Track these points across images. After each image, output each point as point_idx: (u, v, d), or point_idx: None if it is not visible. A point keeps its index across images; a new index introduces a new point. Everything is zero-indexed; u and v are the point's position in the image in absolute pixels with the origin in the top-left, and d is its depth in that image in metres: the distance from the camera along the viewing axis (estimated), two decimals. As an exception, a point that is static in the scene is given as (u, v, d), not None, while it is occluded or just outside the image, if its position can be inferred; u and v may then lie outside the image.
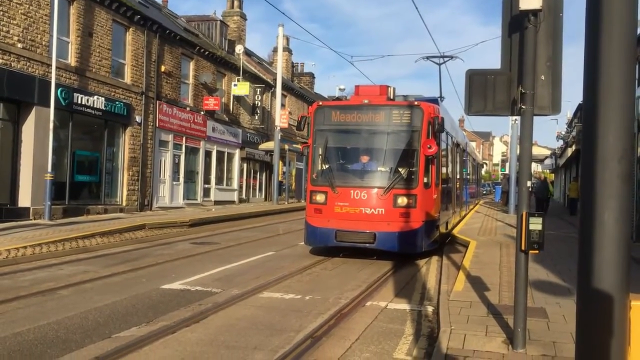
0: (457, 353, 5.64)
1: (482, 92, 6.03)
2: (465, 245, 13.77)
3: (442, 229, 14.24)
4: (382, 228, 11.94)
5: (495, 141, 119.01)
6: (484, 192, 54.98)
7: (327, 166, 12.91)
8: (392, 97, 13.18)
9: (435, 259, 12.85)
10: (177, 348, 6.14)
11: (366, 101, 12.79)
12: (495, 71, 6.06)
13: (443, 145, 14.30)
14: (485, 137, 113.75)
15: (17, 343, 6.20)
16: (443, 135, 14.03)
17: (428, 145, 12.12)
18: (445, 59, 22.89)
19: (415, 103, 12.65)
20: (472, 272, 9.93)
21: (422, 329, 7.16)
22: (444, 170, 14.53)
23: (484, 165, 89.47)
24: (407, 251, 12.13)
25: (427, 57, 23.07)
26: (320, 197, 12.50)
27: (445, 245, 14.69)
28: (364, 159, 12.85)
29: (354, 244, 12.21)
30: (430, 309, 8.16)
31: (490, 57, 71.01)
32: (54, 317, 7.20)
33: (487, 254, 12.14)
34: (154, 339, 6.40)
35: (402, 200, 12.00)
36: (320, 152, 12.98)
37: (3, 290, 8.78)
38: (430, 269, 11.76)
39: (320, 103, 13.64)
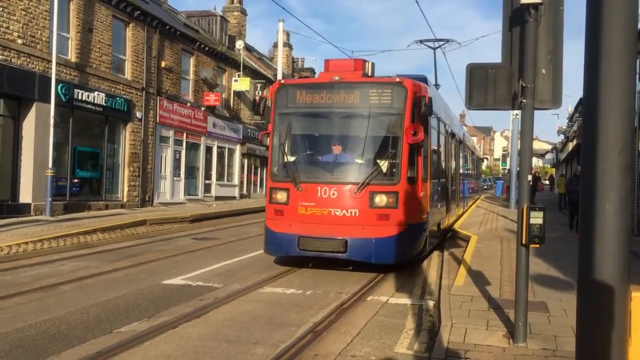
0: (458, 347, 5.65)
1: (482, 86, 6.02)
2: (466, 239, 13.77)
3: (434, 232, 12.42)
4: (356, 233, 9.79)
5: (496, 136, 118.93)
6: (485, 187, 54.94)
7: (289, 158, 10.78)
8: (369, 74, 11.03)
9: (436, 253, 12.84)
10: (178, 343, 6.15)
11: (337, 78, 10.55)
12: (496, 65, 6.05)
13: (434, 134, 12.50)
14: (486, 132, 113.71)
15: (19, 338, 6.21)
16: (434, 122, 12.27)
17: (412, 131, 9.89)
18: (441, 43, 21.81)
19: (397, 79, 10.39)
20: (473, 266, 9.93)
21: (423, 324, 7.18)
22: (434, 162, 12.72)
23: (485, 160, 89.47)
24: (386, 261, 9.98)
25: (421, 41, 21.85)
26: (281, 196, 10.32)
27: (446, 240, 14.68)
28: (335, 149, 10.56)
29: (320, 253, 10.00)
30: (431, 303, 8.17)
31: (492, 51, 70.82)
32: (56, 313, 7.22)
33: (488, 249, 12.14)
34: (156, 334, 6.41)
35: (381, 199, 9.88)
36: (281, 141, 10.78)
37: (5, 285, 8.80)
38: (431, 263, 11.76)
39: (282, 81, 11.50)
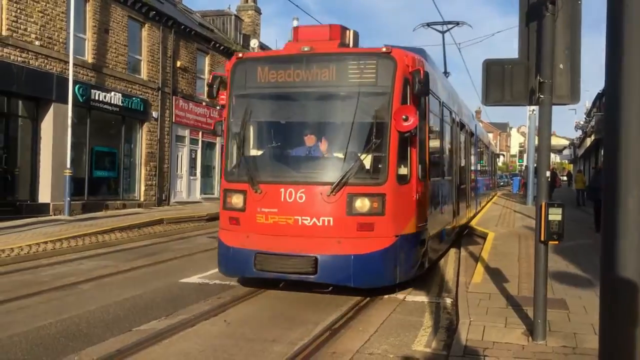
0: (476, 345, 5.62)
1: (499, 81, 5.98)
2: (483, 236, 13.67)
3: (436, 242, 10.02)
4: (329, 249, 7.66)
5: (513, 132, 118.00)
6: (501, 183, 54.56)
7: (247, 151, 8.78)
8: (350, 44, 8.90)
9: (453, 251, 12.77)
10: (196, 341, 6.18)
11: (306, 49, 8.36)
12: (512, 60, 6.00)
13: (435, 121, 10.24)
14: (502, 128, 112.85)
15: (40, 337, 6.29)
16: (434, 106, 9.95)
17: (403, 116, 7.73)
18: (450, 26, 20.44)
19: (383, 50, 8.21)
20: (491, 263, 9.87)
21: (440, 321, 7.14)
22: (436, 156, 10.49)
23: (501, 157, 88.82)
24: (369, 284, 7.96)
25: (429, 24, 20.39)
26: (236, 200, 8.26)
27: (463, 237, 14.59)
28: (305, 139, 8.50)
29: (283, 274, 7.85)
30: (448, 300, 8.13)
31: (509, 47, 70.28)
32: (76, 311, 7.29)
33: (506, 246, 12.05)
34: (174, 332, 6.45)
35: (362, 204, 7.74)
36: (238, 130, 8.67)
37: (25, 284, 8.91)
38: (448, 261, 11.70)
39: (241, 55, 9.04)
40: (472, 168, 17.69)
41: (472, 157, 17.74)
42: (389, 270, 7.92)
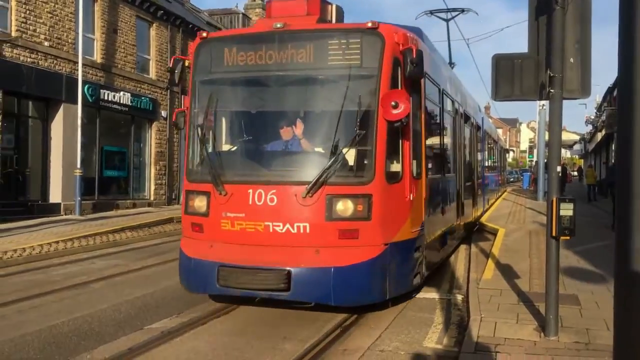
0: (488, 341, 5.60)
1: (509, 76, 5.96)
2: (494, 233, 13.62)
3: (433, 251, 8.75)
4: (305, 261, 6.55)
5: (522, 127, 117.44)
6: (511, 179, 54.32)
7: (211, 147, 7.62)
8: (332, 20, 7.74)
9: (463, 247, 12.72)
10: (207, 339, 6.20)
11: (279, 25, 7.16)
12: (522, 55, 5.97)
13: (433, 110, 9.04)
14: (511, 123, 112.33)
15: (52, 335, 6.33)
16: (432, 92, 8.75)
17: (392, 102, 6.59)
18: (455, 14, 19.54)
19: (369, 25, 6.95)
20: (502, 259, 9.83)
21: (451, 318, 7.12)
22: (437, 150, 9.46)
23: (511, 152, 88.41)
24: (353, 302, 6.84)
25: (432, 12, 19.43)
26: (199, 203, 7.14)
27: (473, 233, 14.54)
28: (281, 132, 7.33)
29: (250, 292, 6.66)
30: (459, 297, 8.10)
31: (518, 42, 70.00)
32: (87, 310, 7.33)
33: (517, 241, 12.00)
34: (185, 331, 6.48)
35: (344, 206, 6.59)
36: (201, 122, 7.52)
37: (37, 284, 8.97)
38: (458, 257, 11.66)
39: (205, 34, 7.76)
40: (479, 164, 16.55)
41: (479, 152, 16.62)
42: (377, 285, 6.79)
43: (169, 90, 24.58)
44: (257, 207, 6.67)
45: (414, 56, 6.85)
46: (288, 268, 6.43)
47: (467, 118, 13.28)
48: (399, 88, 6.97)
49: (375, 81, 6.84)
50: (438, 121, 9.58)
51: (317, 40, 7.14)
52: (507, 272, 8.82)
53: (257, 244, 6.70)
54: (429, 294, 8.34)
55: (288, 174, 7.03)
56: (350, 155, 6.80)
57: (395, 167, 7.11)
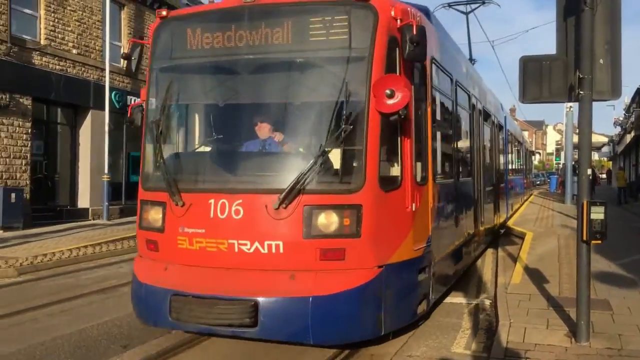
0: (517, 347, 5.53)
1: (537, 78, 5.90)
2: (521, 237, 13.45)
3: (445, 269, 7.52)
4: (277, 288, 5.32)
5: (549, 130, 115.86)
6: (537, 182, 53.62)
7: (170, 148, 6.41)
8: None
9: (490, 251, 12.58)
10: (236, 341, 6.22)
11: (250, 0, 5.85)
12: (550, 56, 5.91)
13: (443, 101, 7.66)
14: (537, 126, 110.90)
15: (82, 339, 6.41)
16: (442, 81, 7.45)
17: (387, 90, 5.27)
18: (475, 6, 18.44)
19: None
20: (530, 264, 9.69)
21: (479, 323, 7.05)
22: (446, 150, 7.95)
23: (537, 155, 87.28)
24: (338, 339, 5.57)
25: (450, 5, 18.32)
26: (154, 216, 6.07)
27: (500, 237, 14.37)
28: (249, 127, 6.06)
29: (207, 327, 5.44)
30: (487, 302, 8.01)
31: (543, 43, 69.08)
32: (116, 314, 7.41)
33: (545, 246, 11.83)
34: (212, 334, 6.49)
35: (327, 220, 5.33)
36: (158, 118, 6.15)
37: (67, 288, 9.11)
38: (485, 261, 11.53)
39: (164, 13, 6.33)
40: (502, 166, 15.32)
41: (501, 154, 15.29)
42: (369, 318, 5.47)
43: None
44: (219, 221, 5.43)
45: (415, 34, 5.46)
46: (255, 298, 5.19)
47: (487, 116, 12.08)
48: (397, 73, 5.67)
49: (367, 65, 5.49)
50: (450, 117, 8.23)
51: (295, 16, 5.80)
52: (535, 276, 8.70)
53: (219, 266, 5.50)
54: (457, 299, 8.26)
55: (257, 180, 5.69)
56: (335, 156, 5.42)
57: (393, 170, 5.85)
